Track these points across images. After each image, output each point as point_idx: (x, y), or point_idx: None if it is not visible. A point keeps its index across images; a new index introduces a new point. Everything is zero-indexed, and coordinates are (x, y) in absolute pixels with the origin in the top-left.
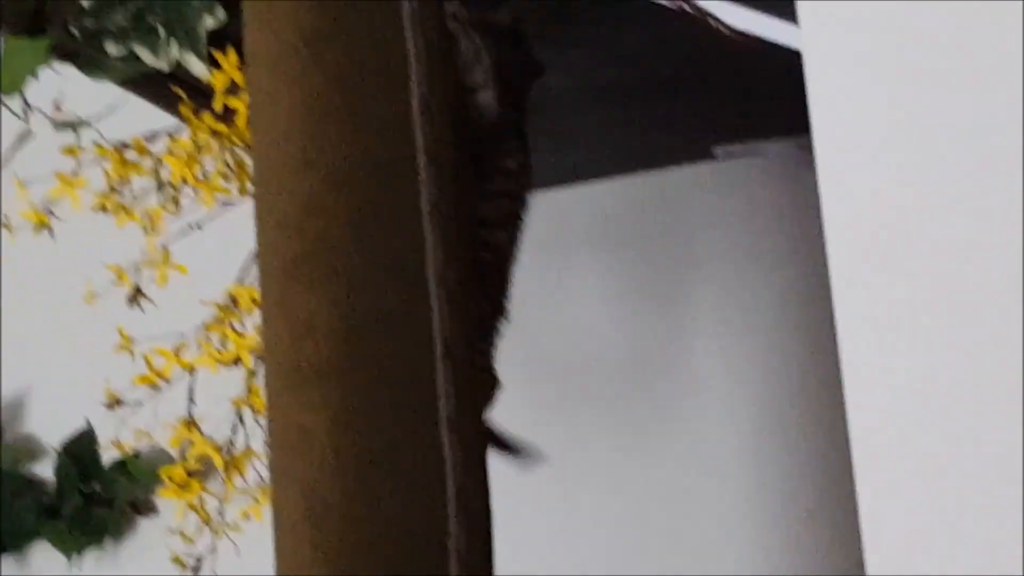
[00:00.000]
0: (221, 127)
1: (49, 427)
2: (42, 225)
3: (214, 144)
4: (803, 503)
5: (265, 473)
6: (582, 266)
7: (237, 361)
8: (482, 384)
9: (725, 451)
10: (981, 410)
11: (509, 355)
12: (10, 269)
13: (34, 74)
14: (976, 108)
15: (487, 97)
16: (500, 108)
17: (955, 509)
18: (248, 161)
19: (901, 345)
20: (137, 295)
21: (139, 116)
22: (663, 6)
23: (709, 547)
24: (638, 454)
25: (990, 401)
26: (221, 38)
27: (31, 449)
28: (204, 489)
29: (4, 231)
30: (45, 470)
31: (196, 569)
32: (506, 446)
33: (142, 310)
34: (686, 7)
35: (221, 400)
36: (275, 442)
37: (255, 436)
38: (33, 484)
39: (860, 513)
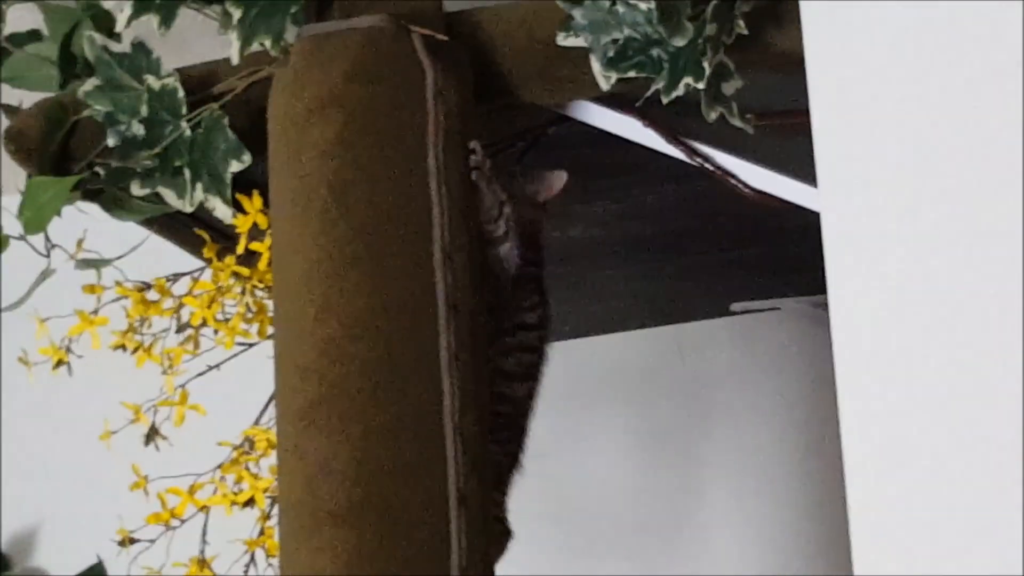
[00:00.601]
0: (243, 270)
1: (59, 562)
2: (60, 362)
3: (236, 286)
4: None
5: None
6: (598, 416)
7: (251, 502)
8: (495, 534)
9: None
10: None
11: (523, 504)
12: (28, 403)
13: (58, 212)
14: (993, 276)
15: (507, 250)
16: (520, 261)
17: None
18: (269, 304)
19: (911, 510)
20: (153, 434)
21: (161, 256)
22: (687, 163)
23: None
24: None
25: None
26: (246, 181)
27: None
28: None
29: (23, 367)
30: None
31: None
32: None
33: (158, 449)
34: (708, 166)
35: (234, 541)
36: None
37: None
38: None
39: None
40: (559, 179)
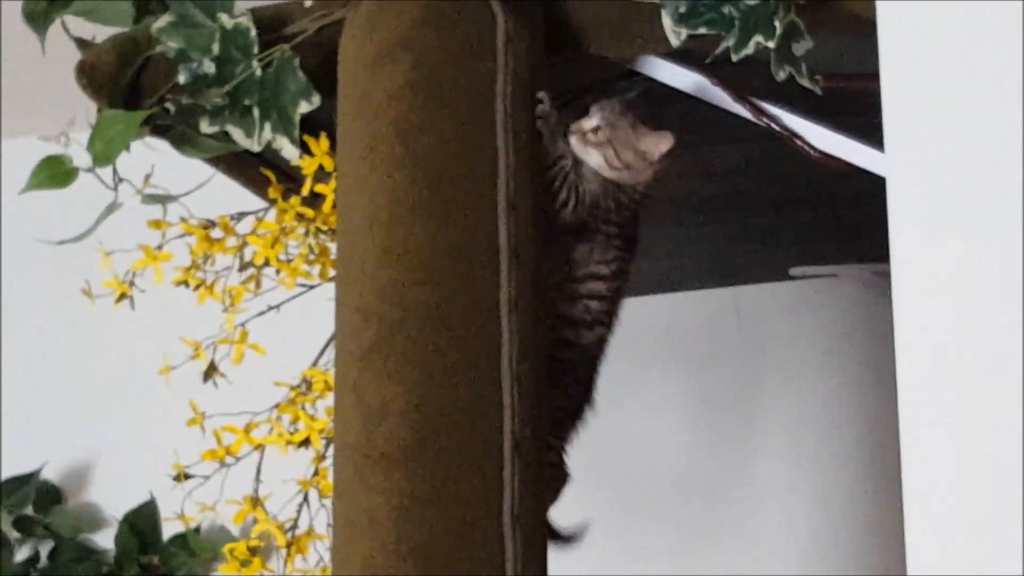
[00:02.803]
0: (308, 211)
1: (113, 497)
2: (123, 295)
3: (299, 227)
4: None
5: (327, 555)
6: (655, 374)
7: (306, 443)
8: (551, 479)
9: (783, 565)
10: None
11: (575, 460)
12: (88, 336)
13: (126, 147)
14: None
15: (568, 203)
16: (582, 213)
17: None
18: (332, 247)
19: (965, 475)
20: (212, 371)
21: (227, 195)
22: (752, 123)
23: None
24: (698, 560)
25: None
26: (314, 122)
27: (93, 518)
28: (265, 567)
29: (85, 298)
30: (106, 539)
31: None
32: (565, 539)
33: (216, 386)
34: (774, 126)
35: (288, 481)
36: (340, 524)
37: (319, 518)
38: (93, 553)
39: None
40: (666, 140)
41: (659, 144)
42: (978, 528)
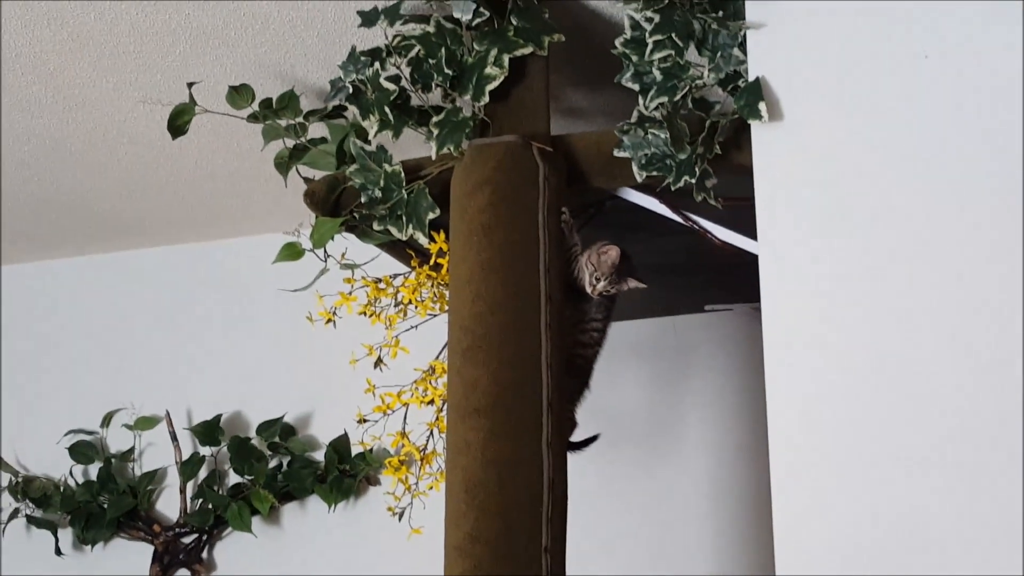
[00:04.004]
0: (433, 274)
1: (324, 431)
2: (329, 320)
3: (428, 282)
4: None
5: (443, 464)
6: (626, 366)
7: (432, 402)
8: (568, 423)
9: (704, 463)
10: None
11: (583, 412)
12: (311, 345)
13: (331, 237)
14: (895, 300)
15: (579, 269)
16: (596, 294)
17: None
18: (446, 293)
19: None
20: (379, 362)
21: (387, 264)
22: (682, 224)
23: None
24: (645, 471)
25: None
26: (436, 224)
27: (312, 443)
28: (409, 471)
29: (308, 323)
30: (319, 455)
31: (400, 516)
32: (576, 446)
33: (381, 371)
34: (695, 226)
35: (421, 423)
36: (451, 447)
37: (439, 444)
38: (312, 463)
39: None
40: (614, 252)
41: (611, 256)
42: (834, 518)
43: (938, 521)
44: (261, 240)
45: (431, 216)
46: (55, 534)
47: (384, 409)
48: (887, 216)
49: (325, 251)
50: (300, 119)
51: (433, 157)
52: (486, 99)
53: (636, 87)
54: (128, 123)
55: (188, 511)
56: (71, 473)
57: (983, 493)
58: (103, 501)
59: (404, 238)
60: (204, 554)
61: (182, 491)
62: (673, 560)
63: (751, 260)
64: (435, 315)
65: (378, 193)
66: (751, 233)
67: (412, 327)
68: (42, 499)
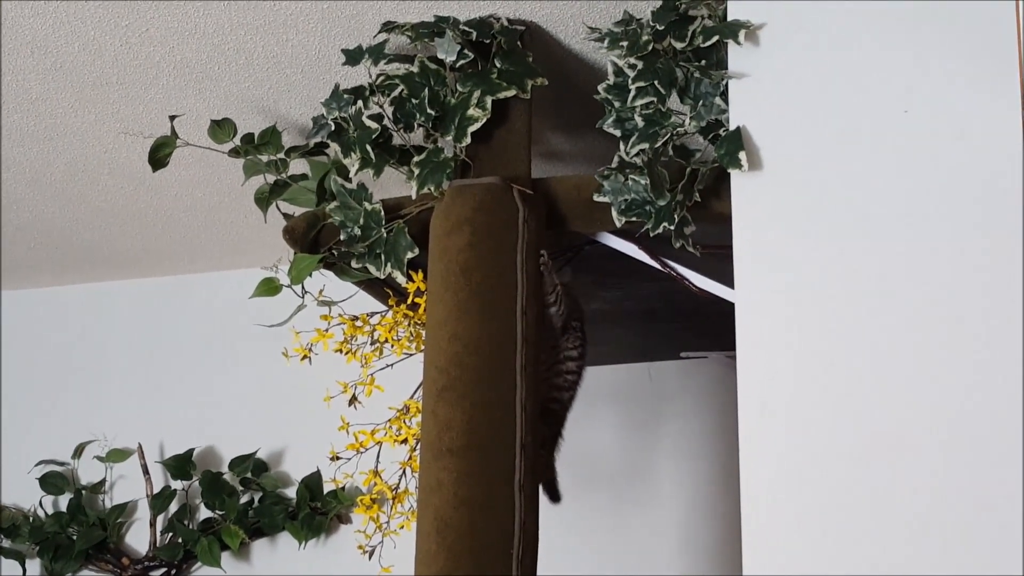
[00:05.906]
0: (410, 313)
1: (297, 468)
2: (305, 356)
3: (404, 321)
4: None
5: (414, 504)
6: (602, 411)
7: (405, 441)
8: (542, 467)
9: (676, 512)
10: None
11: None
12: (284, 381)
13: (310, 274)
14: (866, 349)
15: (554, 311)
16: (562, 319)
17: None
18: (422, 332)
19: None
20: (354, 400)
21: (364, 302)
22: (660, 270)
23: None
24: (617, 515)
25: None
26: (414, 264)
27: (284, 479)
28: (380, 510)
29: (284, 358)
30: (291, 492)
31: (370, 554)
32: (555, 495)
33: (356, 409)
34: (672, 272)
35: (395, 462)
36: (423, 487)
37: (411, 483)
38: (284, 499)
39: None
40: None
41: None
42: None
43: None
44: (239, 274)
45: (410, 255)
46: (23, 564)
47: (357, 447)
48: (865, 267)
49: (303, 287)
50: (281, 155)
51: (413, 196)
52: (468, 140)
53: (618, 133)
54: (109, 154)
55: (158, 545)
56: (41, 504)
57: (974, 559)
58: (72, 532)
59: (382, 276)
60: None
61: (152, 524)
62: None
63: (728, 308)
64: (411, 354)
65: (357, 231)
66: (728, 281)
67: (388, 366)
68: (11, 529)
